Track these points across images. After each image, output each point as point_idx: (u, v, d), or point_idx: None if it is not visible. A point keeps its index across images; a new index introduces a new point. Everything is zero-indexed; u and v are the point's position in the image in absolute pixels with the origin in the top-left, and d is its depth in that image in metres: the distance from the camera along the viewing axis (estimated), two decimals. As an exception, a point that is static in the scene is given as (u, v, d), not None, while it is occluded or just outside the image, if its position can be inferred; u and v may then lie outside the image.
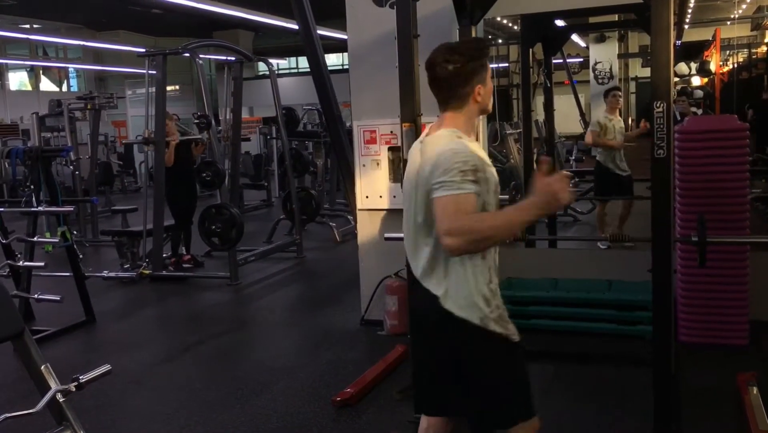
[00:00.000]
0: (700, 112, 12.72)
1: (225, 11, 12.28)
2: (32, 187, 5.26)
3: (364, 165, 5.01)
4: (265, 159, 13.30)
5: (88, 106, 9.08)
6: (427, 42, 3.29)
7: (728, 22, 18.21)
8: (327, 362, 4.59)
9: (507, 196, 6.65)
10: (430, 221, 2.11)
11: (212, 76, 24.10)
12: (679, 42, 15.75)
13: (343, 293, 6.15)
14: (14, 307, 2.16)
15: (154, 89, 6.80)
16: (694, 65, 13.53)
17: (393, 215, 4.90)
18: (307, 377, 4.34)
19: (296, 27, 5.47)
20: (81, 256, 5.55)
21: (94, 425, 3.67)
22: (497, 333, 2.15)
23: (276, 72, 8.65)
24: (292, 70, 27.88)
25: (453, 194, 2.01)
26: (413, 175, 2.19)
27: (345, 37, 5.01)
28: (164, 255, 7.52)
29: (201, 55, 7.27)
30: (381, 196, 4.99)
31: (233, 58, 7.85)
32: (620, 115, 6.90)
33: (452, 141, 2.11)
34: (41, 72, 24.99)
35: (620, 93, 7.12)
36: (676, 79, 15.09)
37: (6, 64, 23.20)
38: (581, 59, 16.81)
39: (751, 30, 17.82)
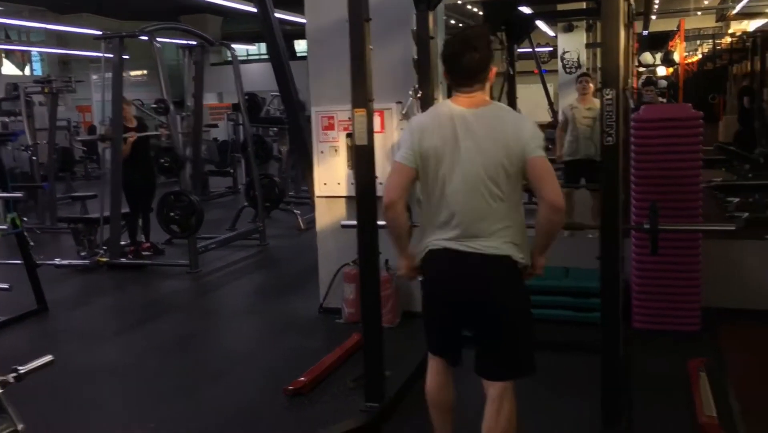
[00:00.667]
0: (664, 101, 12.86)
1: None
2: (-21, 172, 5.11)
3: (322, 152, 4.95)
4: (232, 145, 13.15)
5: (45, 90, 8.85)
6: (384, 27, 3.27)
7: (698, 12, 18.45)
8: (284, 351, 4.56)
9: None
10: (514, 180, 2.48)
11: (179, 61, 23.69)
12: (645, 32, 15.91)
13: (304, 281, 6.10)
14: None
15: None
16: (659, 55, 13.65)
17: (352, 202, 4.85)
18: (263, 366, 4.30)
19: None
20: (32, 243, 5.41)
21: (38, 417, 3.58)
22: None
23: (246, 58, 8.52)
24: (263, 56, 27.55)
25: (546, 157, 2.50)
26: (488, 138, 2.46)
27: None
28: (123, 243, 7.40)
29: (164, 39, 7.13)
30: (339, 183, 4.95)
31: (195, 43, 7.73)
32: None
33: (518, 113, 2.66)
34: (3, 55, 24.39)
35: (589, 78, 7.08)
36: (642, 69, 15.25)
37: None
38: (550, 48, 16.84)
39: (716, 21, 18.06)
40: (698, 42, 18.34)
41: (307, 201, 9.74)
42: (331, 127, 4.90)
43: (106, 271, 6.86)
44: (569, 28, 14.63)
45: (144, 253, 7.40)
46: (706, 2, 18.04)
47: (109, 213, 6.81)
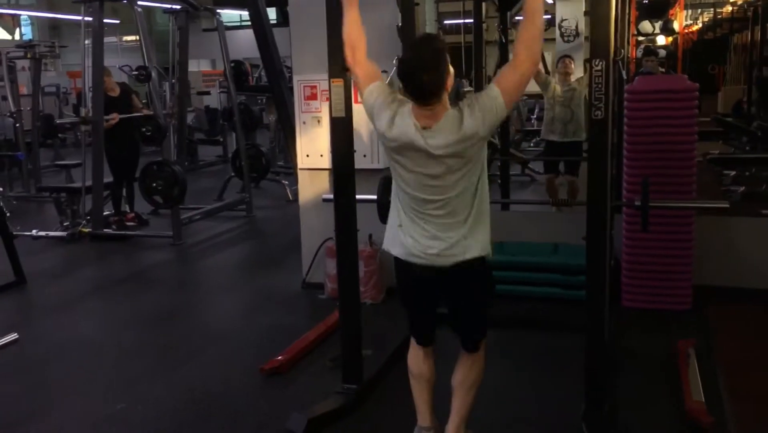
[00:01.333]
0: (663, 71, 12.62)
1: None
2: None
3: (304, 122, 4.79)
4: (222, 114, 12.93)
5: (28, 56, 8.62)
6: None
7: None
8: (264, 328, 4.44)
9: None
10: (477, 178, 2.54)
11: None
12: (646, 0, 15.58)
13: (288, 254, 5.95)
14: None
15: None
16: (658, 24, 13.34)
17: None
18: (241, 344, 4.19)
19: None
20: (8, 213, 5.26)
21: (2, 396, 3.48)
22: None
23: (239, 23, 8.23)
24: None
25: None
26: (447, 146, 2.44)
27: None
28: (108, 213, 7.26)
29: (153, 4, 6.90)
30: (322, 156, 4.79)
31: (179, 7, 7.49)
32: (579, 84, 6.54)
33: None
34: (-9, 19, 23.97)
35: (571, 60, 6.80)
36: (641, 38, 14.96)
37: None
38: (549, 16, 16.50)
39: (718, -11, 17.67)
40: (699, 11, 17.99)
41: (295, 171, 9.59)
42: (313, 96, 4.73)
43: (89, 242, 6.73)
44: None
45: (128, 223, 7.26)
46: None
47: (91, 183, 6.65)
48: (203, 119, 11.83)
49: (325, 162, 4.79)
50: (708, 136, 7.81)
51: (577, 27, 15.07)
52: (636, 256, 4.38)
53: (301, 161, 4.88)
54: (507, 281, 4.67)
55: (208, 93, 15.03)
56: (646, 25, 12.40)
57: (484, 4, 7.77)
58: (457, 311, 2.76)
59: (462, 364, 2.82)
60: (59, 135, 11.13)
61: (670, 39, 14.64)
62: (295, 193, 8.37)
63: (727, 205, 3.54)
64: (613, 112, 3.89)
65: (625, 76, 4.22)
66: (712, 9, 15.74)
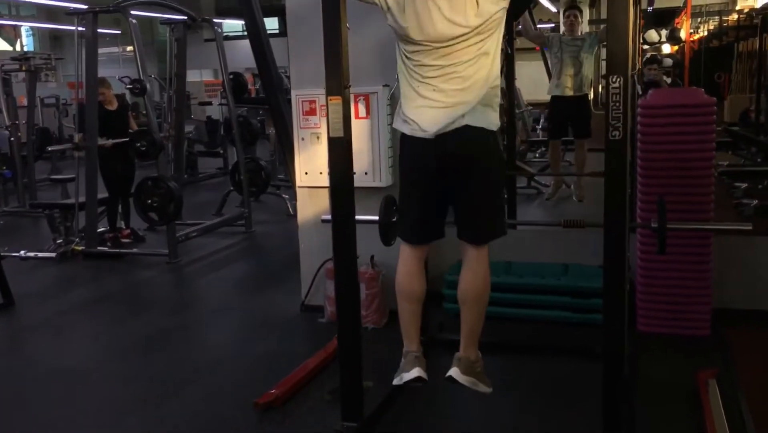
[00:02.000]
0: (669, 81, 12.42)
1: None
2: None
3: (303, 138, 4.58)
4: (221, 125, 12.75)
5: (23, 68, 8.45)
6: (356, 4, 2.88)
7: (701, -12, 17.88)
8: (259, 355, 4.23)
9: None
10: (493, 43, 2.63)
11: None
12: (650, 8, 15.40)
13: (288, 272, 5.72)
14: None
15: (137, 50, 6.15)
16: (664, 33, 13.16)
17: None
18: (234, 373, 3.97)
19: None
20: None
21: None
22: None
23: (241, 33, 7.99)
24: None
25: None
26: (467, 31, 2.56)
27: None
28: (102, 230, 7.07)
29: (142, 13, 6.72)
30: (321, 173, 4.58)
31: (177, 18, 7.32)
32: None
33: None
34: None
35: (578, 13, 6.80)
36: (646, 46, 14.78)
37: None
38: (552, 25, 16.33)
39: (724, -3, 17.50)
40: (699, 20, 17.82)
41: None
42: (312, 112, 4.53)
43: (82, 260, 6.52)
44: (572, 5, 14.13)
45: (123, 240, 7.06)
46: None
47: (85, 199, 6.45)
48: (203, 131, 11.64)
49: (325, 180, 4.55)
50: (716, 146, 7.60)
51: (581, 36, 14.91)
52: (651, 278, 4.16)
53: (300, 179, 4.68)
54: (514, 304, 4.45)
55: (210, 103, 14.86)
56: (652, 34, 12.15)
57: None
58: (465, 196, 2.72)
59: (466, 267, 2.78)
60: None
61: (676, 47, 14.46)
62: (296, 208, 8.21)
63: (750, 227, 3.35)
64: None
65: (640, 91, 4.01)
66: (717, 17, 15.57)
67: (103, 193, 6.86)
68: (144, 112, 7.33)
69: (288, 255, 6.37)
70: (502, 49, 2.74)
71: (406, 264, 2.85)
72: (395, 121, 2.85)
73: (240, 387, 3.72)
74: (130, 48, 23.05)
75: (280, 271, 5.99)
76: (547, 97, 10.02)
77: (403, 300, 2.85)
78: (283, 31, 15.15)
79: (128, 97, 9.15)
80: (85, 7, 6.25)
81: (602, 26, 9.07)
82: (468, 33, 2.58)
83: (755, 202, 6.54)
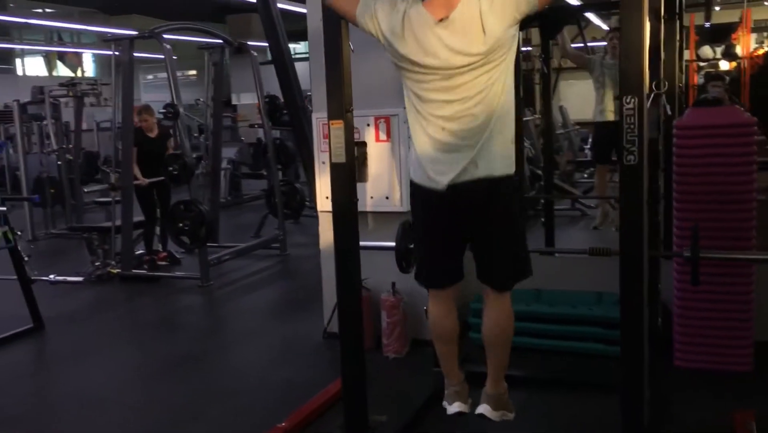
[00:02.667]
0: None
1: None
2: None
3: (323, 162, 4.49)
4: (263, 147, 12.84)
5: (70, 93, 8.67)
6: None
7: (766, 2, 17.24)
8: (278, 383, 4.13)
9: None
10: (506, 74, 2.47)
11: (227, 62, 23.60)
12: (707, 24, 14.92)
13: (316, 297, 5.56)
14: None
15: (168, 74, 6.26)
16: (719, 49, 12.69)
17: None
18: (251, 402, 3.87)
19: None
20: (27, 258, 5.12)
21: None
22: None
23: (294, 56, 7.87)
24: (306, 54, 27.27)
25: None
26: (473, 60, 2.39)
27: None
28: (140, 252, 7.13)
29: (176, 37, 6.80)
30: (343, 197, 4.47)
31: (216, 41, 7.39)
32: None
33: None
34: (56, 57, 24.78)
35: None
36: (703, 63, 14.31)
37: (20, 49, 22.99)
38: (605, 44, 15.97)
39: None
40: (765, 34, 17.17)
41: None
42: (333, 135, 4.43)
43: (118, 283, 6.58)
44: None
45: (160, 263, 7.10)
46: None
47: (121, 222, 6.52)
48: (246, 153, 11.72)
49: (346, 204, 4.48)
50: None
51: None
52: (689, 310, 3.90)
53: (321, 203, 4.59)
54: (543, 334, 4.24)
55: (260, 125, 14.99)
56: (706, 51, 11.79)
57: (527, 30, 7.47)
58: (483, 244, 2.64)
59: (489, 309, 2.73)
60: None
61: (734, 64, 13.93)
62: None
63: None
64: (657, 152, 3.50)
65: (669, 111, 3.78)
66: (780, 32, 14.97)
67: (139, 217, 6.92)
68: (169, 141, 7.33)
69: (318, 279, 6.27)
70: (537, 69, 2.63)
71: (435, 306, 2.80)
72: (410, 158, 2.76)
73: (254, 418, 3.62)
74: (191, 72, 23.71)
75: (308, 295, 5.88)
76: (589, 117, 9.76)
77: (438, 341, 2.85)
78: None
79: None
80: (124, 32, 6.33)
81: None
82: (475, 62, 2.40)
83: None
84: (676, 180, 3.88)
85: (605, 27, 15.43)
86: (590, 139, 12.09)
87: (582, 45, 11.33)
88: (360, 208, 4.36)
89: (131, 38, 6.31)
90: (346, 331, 2.94)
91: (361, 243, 3.60)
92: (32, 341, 5.12)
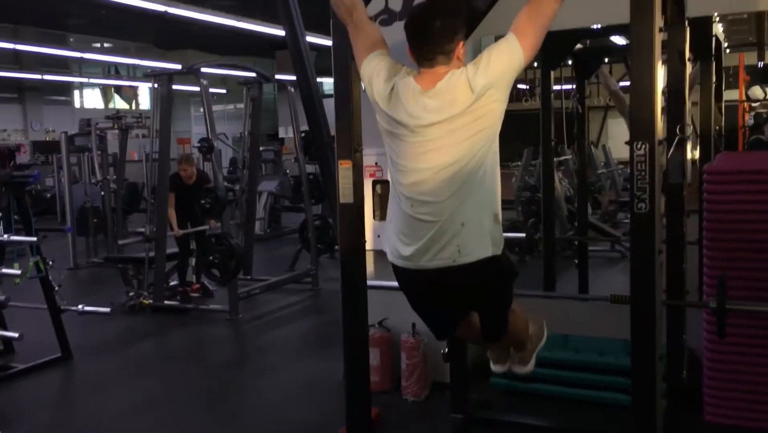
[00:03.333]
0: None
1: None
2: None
3: (346, 200, 4.47)
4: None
5: (115, 126, 8.92)
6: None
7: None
8: (292, 425, 4.08)
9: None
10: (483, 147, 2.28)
11: (274, 96, 24.03)
12: (761, 63, 14.56)
13: (341, 335, 5.59)
14: None
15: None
16: (770, 90, 12.33)
17: (379, 257, 4.33)
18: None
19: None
20: (57, 287, 5.21)
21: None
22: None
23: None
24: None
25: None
26: (454, 113, 2.24)
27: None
28: (174, 283, 7.21)
29: (216, 71, 6.91)
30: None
31: (253, 77, 7.52)
32: None
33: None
34: (113, 90, 25.64)
35: None
36: (755, 104, 13.94)
37: (78, 82, 23.86)
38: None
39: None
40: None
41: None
42: (355, 173, 4.42)
43: (149, 314, 6.65)
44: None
45: (193, 294, 7.16)
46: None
47: (154, 254, 6.61)
48: (287, 186, 11.83)
49: (368, 243, 4.42)
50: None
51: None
52: (719, 363, 3.71)
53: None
54: (570, 383, 4.10)
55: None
56: (756, 91, 11.48)
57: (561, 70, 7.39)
58: (472, 310, 2.66)
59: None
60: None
61: (789, 105, 13.54)
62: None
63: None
64: (681, 198, 3.37)
65: (698, 155, 3.65)
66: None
67: (174, 248, 7.01)
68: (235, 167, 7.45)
69: (347, 316, 6.24)
70: (572, 109, 2.57)
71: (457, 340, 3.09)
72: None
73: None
74: (240, 105, 24.25)
75: (335, 332, 5.75)
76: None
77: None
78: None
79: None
80: (165, 66, 6.47)
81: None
82: (456, 114, 2.25)
83: None
84: (705, 227, 3.73)
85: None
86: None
87: (627, 84, 11.20)
88: (381, 247, 4.34)
89: (170, 73, 6.46)
90: (354, 379, 2.89)
91: (381, 283, 3.57)
92: (59, 370, 5.18)
